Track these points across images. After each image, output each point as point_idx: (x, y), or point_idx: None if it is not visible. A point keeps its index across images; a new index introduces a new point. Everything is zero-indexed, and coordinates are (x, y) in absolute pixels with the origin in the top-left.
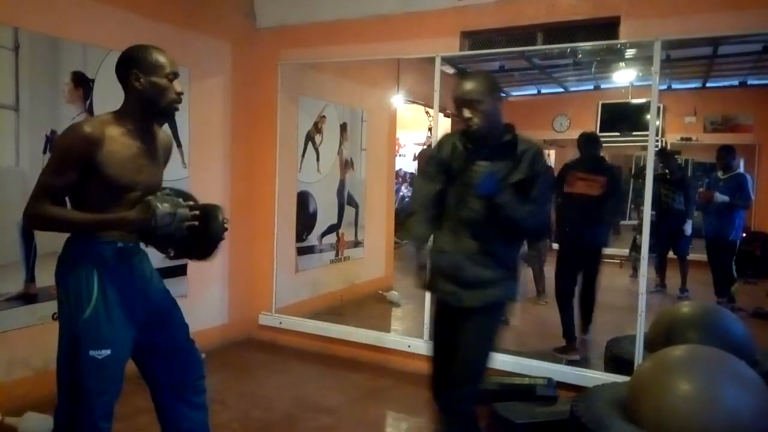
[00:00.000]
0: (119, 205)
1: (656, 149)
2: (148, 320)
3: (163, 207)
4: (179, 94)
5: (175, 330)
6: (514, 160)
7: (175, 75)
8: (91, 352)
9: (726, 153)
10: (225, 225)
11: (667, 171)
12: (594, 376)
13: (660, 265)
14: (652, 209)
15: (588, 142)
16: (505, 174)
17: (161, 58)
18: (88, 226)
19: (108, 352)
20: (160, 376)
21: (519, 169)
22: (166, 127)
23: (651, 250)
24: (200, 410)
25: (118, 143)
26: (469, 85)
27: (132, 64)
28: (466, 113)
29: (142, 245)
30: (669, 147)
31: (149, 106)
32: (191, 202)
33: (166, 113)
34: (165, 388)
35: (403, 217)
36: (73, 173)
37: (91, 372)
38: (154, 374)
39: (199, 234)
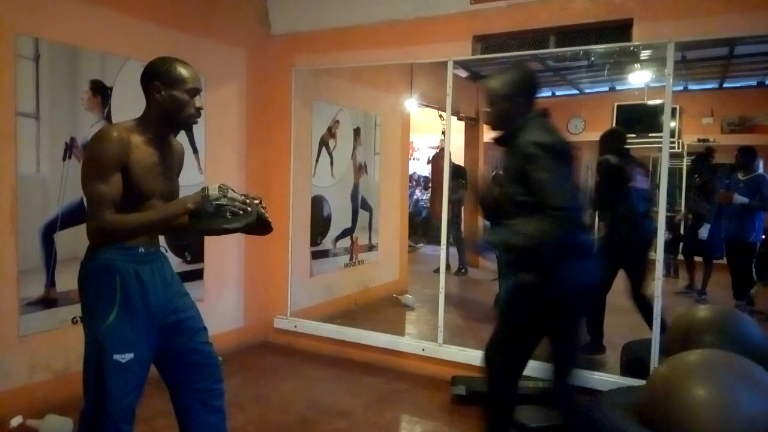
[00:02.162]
0: (144, 208)
1: (693, 156)
2: (168, 323)
3: (213, 186)
4: (198, 109)
5: (194, 333)
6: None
7: (197, 91)
8: (115, 356)
9: (746, 154)
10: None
11: (696, 176)
12: (609, 380)
13: (689, 267)
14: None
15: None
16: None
17: (185, 73)
18: (155, 222)
19: (131, 355)
20: (180, 379)
21: (512, 163)
22: (181, 136)
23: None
24: (218, 414)
25: (142, 151)
26: (489, 83)
27: (155, 77)
28: (486, 107)
29: (163, 249)
30: (707, 149)
31: (168, 119)
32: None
33: (184, 127)
34: (184, 392)
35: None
36: (118, 177)
37: (115, 375)
38: (173, 377)
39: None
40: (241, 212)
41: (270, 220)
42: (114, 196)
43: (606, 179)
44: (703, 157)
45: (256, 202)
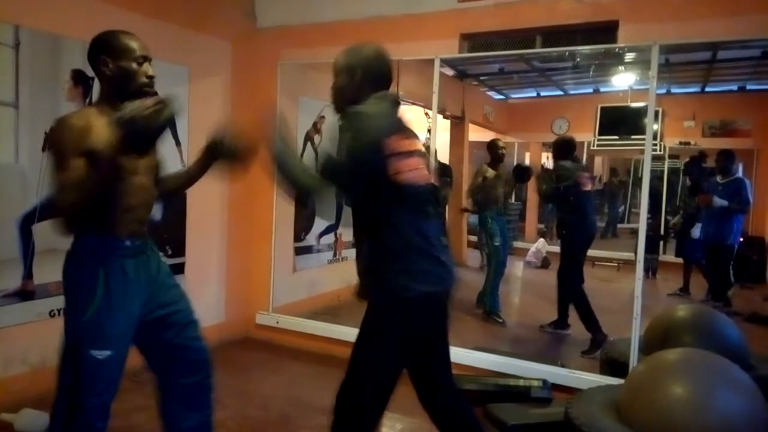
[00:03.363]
0: (126, 190)
1: (687, 160)
2: (154, 318)
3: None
4: (150, 77)
5: (183, 328)
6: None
7: (145, 58)
8: (92, 352)
9: (725, 157)
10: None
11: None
12: (589, 379)
13: (686, 269)
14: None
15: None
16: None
17: (130, 42)
18: (101, 167)
19: (109, 352)
20: (167, 372)
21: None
22: None
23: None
24: (205, 409)
25: (103, 131)
26: (337, 57)
27: (101, 50)
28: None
29: (152, 245)
30: (701, 153)
31: (120, 91)
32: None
33: (137, 97)
34: (170, 385)
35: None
36: (80, 162)
37: (91, 371)
38: (161, 370)
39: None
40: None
41: (241, 151)
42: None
43: (561, 182)
44: (696, 159)
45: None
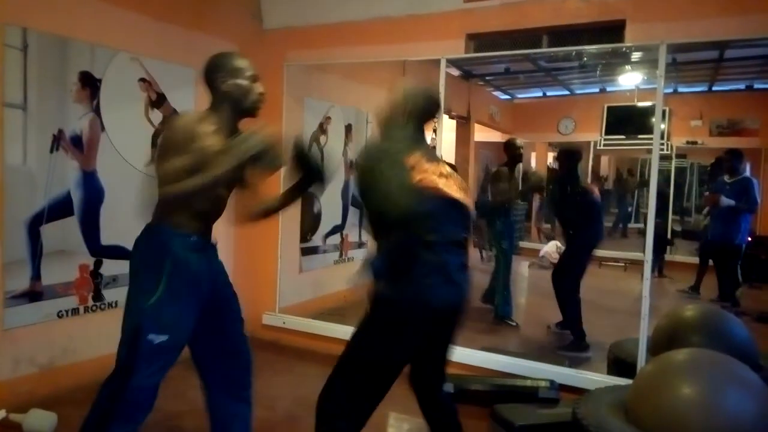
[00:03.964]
0: (206, 199)
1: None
2: (212, 310)
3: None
4: (261, 93)
5: (233, 323)
6: None
7: (256, 77)
8: (150, 336)
9: (732, 157)
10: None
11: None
12: (596, 379)
13: (701, 269)
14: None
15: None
16: None
17: (243, 62)
18: (228, 159)
19: (165, 337)
20: (213, 363)
21: None
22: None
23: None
24: (245, 404)
25: (210, 138)
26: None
27: (217, 69)
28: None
29: (214, 241)
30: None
31: (235, 106)
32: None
33: (251, 111)
34: (215, 379)
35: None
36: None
37: (146, 355)
38: (206, 363)
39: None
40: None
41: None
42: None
43: (575, 190)
44: (721, 160)
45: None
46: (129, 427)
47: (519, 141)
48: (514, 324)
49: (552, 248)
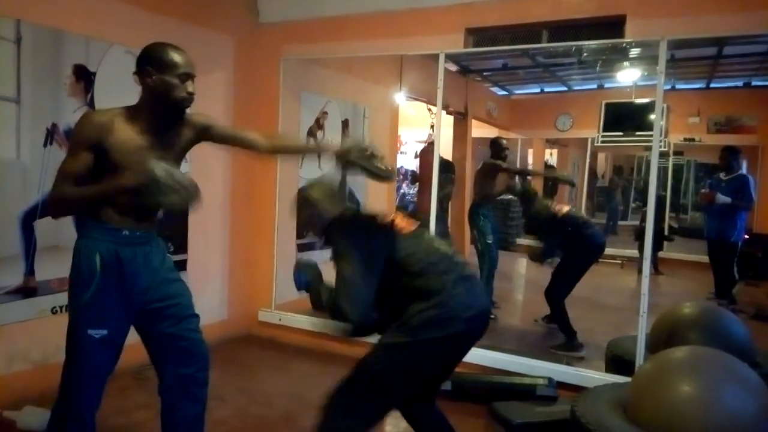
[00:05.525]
0: (132, 195)
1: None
2: (153, 309)
3: (158, 164)
4: (190, 94)
5: (182, 320)
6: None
7: (188, 76)
8: (89, 331)
9: (729, 154)
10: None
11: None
12: (595, 377)
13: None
14: None
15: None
16: None
17: (176, 58)
18: (94, 196)
19: (104, 332)
20: (165, 362)
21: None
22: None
23: None
24: (197, 402)
25: (125, 134)
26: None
27: (147, 62)
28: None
29: (155, 236)
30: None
31: (158, 102)
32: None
33: (175, 111)
34: (168, 375)
35: None
36: (87, 155)
37: (89, 350)
38: (159, 360)
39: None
40: (179, 190)
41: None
42: (76, 171)
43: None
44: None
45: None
46: None
47: (504, 141)
48: (493, 317)
49: None
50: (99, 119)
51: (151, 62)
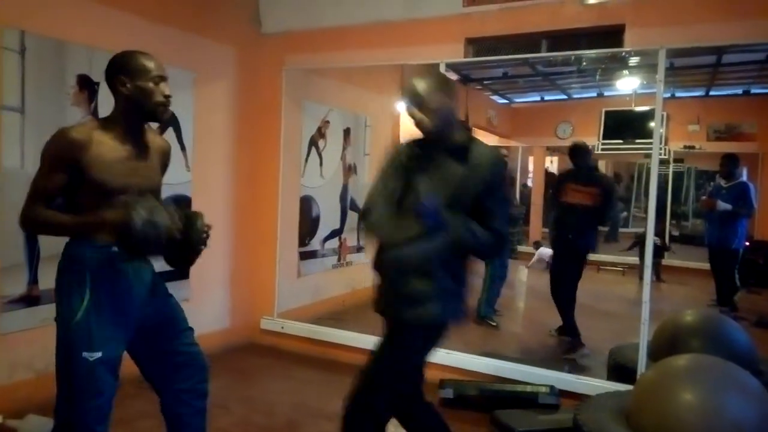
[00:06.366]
0: (113, 209)
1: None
2: (149, 325)
3: (139, 213)
4: (167, 96)
5: (178, 334)
6: (468, 167)
7: (162, 78)
8: (84, 354)
9: (729, 161)
10: (205, 232)
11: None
12: (597, 385)
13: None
14: None
15: (579, 153)
16: (457, 184)
17: (147, 63)
18: (70, 228)
19: (99, 354)
20: (163, 379)
21: (473, 178)
22: (169, 133)
23: None
24: (197, 415)
25: (106, 146)
26: (416, 85)
27: (118, 70)
28: (417, 114)
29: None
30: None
31: (137, 110)
32: (173, 210)
33: (155, 116)
34: (168, 392)
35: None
36: (61, 176)
37: (84, 373)
38: (157, 378)
39: (180, 242)
40: (156, 238)
41: (202, 243)
42: (49, 191)
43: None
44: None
45: (206, 226)
46: None
47: (503, 151)
48: (494, 324)
49: (546, 252)
50: (75, 136)
51: (122, 70)
